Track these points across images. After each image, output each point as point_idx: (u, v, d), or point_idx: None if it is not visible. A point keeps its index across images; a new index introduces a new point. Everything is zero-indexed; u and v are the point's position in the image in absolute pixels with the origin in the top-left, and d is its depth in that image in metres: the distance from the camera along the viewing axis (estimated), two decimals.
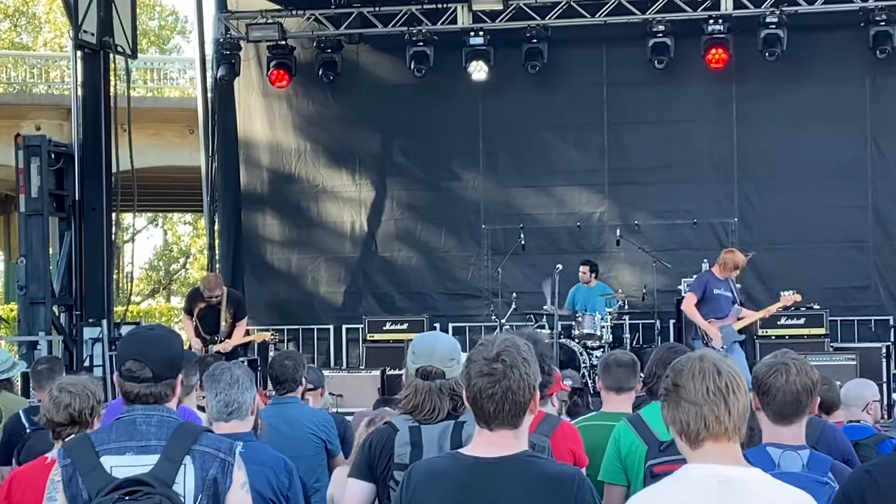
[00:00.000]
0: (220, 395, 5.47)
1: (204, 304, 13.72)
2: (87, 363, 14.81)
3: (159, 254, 47.19)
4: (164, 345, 4.37)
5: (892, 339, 16.38)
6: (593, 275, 16.43)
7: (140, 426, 4.17)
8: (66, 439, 4.47)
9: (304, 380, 7.62)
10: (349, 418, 8.74)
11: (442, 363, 4.65)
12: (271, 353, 16.22)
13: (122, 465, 4.07)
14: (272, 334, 15.02)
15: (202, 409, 6.52)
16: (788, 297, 13.68)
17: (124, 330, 15.88)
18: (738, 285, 13.85)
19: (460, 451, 3.81)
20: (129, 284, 19.68)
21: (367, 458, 4.67)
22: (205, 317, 13.73)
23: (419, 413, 4.61)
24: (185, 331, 14.06)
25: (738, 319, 13.41)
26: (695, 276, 14.74)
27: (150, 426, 4.17)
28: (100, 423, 5.48)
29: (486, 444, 3.67)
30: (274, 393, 7.62)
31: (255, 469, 5.15)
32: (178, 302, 46.65)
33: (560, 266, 15.52)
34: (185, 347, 12.63)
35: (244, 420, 5.51)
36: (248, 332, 14.46)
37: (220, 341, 13.60)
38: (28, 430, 7.67)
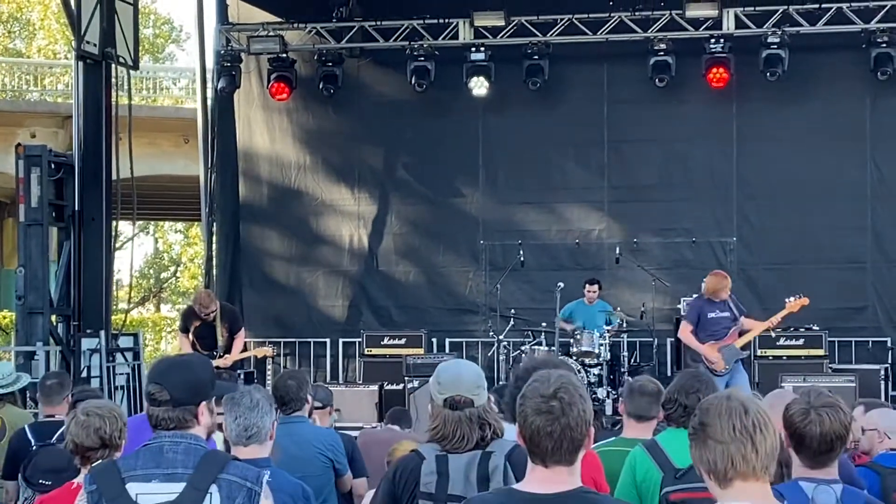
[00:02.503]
0: (239, 418, 5.42)
1: (199, 321, 13.69)
2: (84, 374, 14.74)
3: (150, 262, 47.07)
4: (187, 370, 4.34)
5: (889, 361, 16.41)
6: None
7: (167, 453, 4.13)
8: (93, 465, 4.42)
9: (309, 398, 7.57)
10: (354, 434, 8.74)
11: (469, 392, 4.63)
12: (269, 367, 16.23)
13: (148, 493, 4.04)
14: (272, 350, 14.89)
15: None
16: (794, 302, 13.46)
17: (122, 341, 15.86)
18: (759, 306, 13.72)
19: (515, 486, 3.76)
20: (129, 292, 19.65)
21: (391, 489, 4.65)
22: (201, 333, 13.71)
23: (448, 443, 4.59)
24: (182, 350, 13.97)
25: (741, 335, 13.33)
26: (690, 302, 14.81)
27: (177, 454, 4.13)
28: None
29: (541, 480, 3.62)
30: (279, 412, 7.58)
31: (273, 496, 5.11)
32: (168, 310, 46.55)
33: (562, 284, 15.55)
34: None
35: (263, 445, 5.47)
36: (245, 347, 14.42)
37: (219, 356, 13.54)
38: (34, 446, 7.61)
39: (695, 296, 14.58)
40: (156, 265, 46.97)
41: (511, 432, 4.67)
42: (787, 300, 13.55)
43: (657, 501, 5.49)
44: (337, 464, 7.40)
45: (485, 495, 3.99)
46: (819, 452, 4.36)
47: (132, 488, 4.04)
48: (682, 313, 15.89)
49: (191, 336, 13.71)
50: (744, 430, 3.25)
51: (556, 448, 3.57)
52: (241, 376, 14.30)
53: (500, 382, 14.79)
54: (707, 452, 3.29)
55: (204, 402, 4.27)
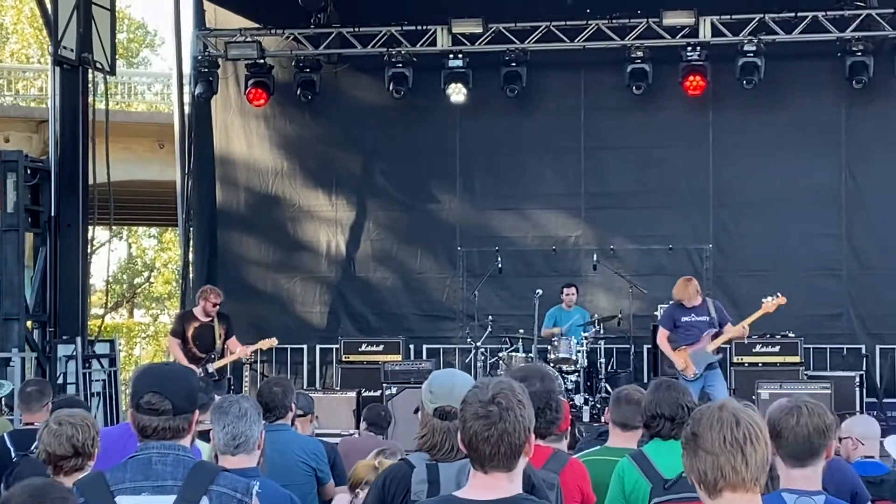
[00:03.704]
0: (227, 427, 5.39)
1: (198, 323, 13.66)
2: (60, 381, 14.67)
3: (123, 267, 46.79)
4: (184, 378, 4.35)
5: (864, 368, 16.49)
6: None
7: (156, 465, 4.10)
8: (79, 478, 4.39)
9: (293, 406, 7.57)
10: (335, 441, 8.72)
11: (460, 403, 4.63)
12: (245, 374, 16.17)
13: None
14: (275, 340, 14.78)
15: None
16: (771, 302, 13.44)
17: (98, 347, 15.79)
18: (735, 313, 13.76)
19: (455, 493, 3.79)
20: (105, 298, 19.56)
21: (380, 496, 4.64)
22: (200, 335, 13.65)
23: (437, 452, 4.59)
24: (173, 353, 13.87)
25: (713, 339, 13.33)
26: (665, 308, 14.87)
27: (165, 465, 4.10)
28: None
29: (480, 486, 3.66)
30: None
31: None
32: (141, 316, 46.31)
33: (540, 291, 15.58)
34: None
35: (251, 454, 5.43)
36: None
37: (217, 358, 13.62)
38: (15, 456, 7.57)
39: (671, 302, 14.64)
40: (129, 270, 46.69)
41: None
42: (763, 300, 13.60)
43: None
44: (320, 472, 7.41)
45: (425, 502, 4.03)
46: (797, 444, 4.34)
47: (122, 501, 4.02)
48: (660, 320, 15.99)
49: (189, 338, 13.67)
50: (734, 442, 3.25)
51: (493, 453, 3.59)
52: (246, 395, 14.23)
53: None
54: (698, 462, 3.30)
55: (197, 410, 4.28)
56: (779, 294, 13.53)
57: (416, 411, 4.82)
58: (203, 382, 9.69)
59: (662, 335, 13.55)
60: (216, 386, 13.47)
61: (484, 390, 3.66)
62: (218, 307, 13.69)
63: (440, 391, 4.67)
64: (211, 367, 13.51)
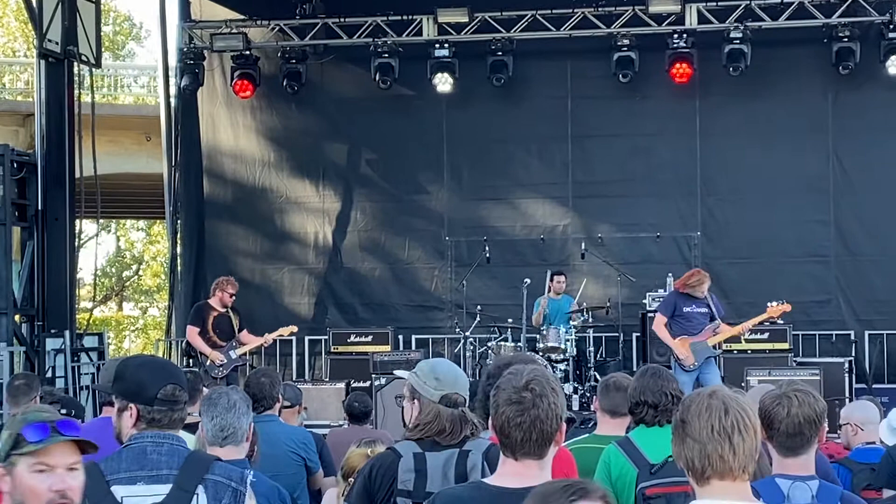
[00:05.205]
0: (216, 419, 5.38)
1: (216, 313, 13.94)
2: (48, 374, 14.65)
3: (111, 260, 46.69)
4: (180, 369, 4.42)
5: (853, 354, 16.51)
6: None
7: (151, 455, 4.10)
8: None
9: (280, 397, 7.57)
10: (323, 432, 8.71)
11: (464, 391, 4.73)
12: None
13: (134, 496, 4.01)
14: (295, 327, 15.02)
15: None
16: (776, 307, 13.51)
17: (86, 341, 15.76)
18: (724, 301, 13.72)
19: (484, 480, 3.81)
20: (93, 291, 19.54)
21: (366, 485, 4.65)
22: (219, 324, 13.95)
23: (442, 437, 4.60)
24: (197, 345, 13.96)
25: (715, 334, 13.36)
26: (666, 295, 14.83)
27: (160, 455, 4.11)
28: None
29: (510, 473, 3.66)
30: None
31: None
32: (130, 309, 46.22)
33: (528, 280, 15.56)
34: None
35: (239, 446, 5.41)
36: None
37: (238, 345, 13.99)
38: None
39: (671, 290, 14.63)
40: (117, 263, 46.58)
41: (484, 431, 4.69)
42: (768, 304, 13.59)
43: (633, 498, 5.49)
44: (309, 462, 7.42)
45: (455, 488, 4.02)
46: (788, 435, 4.35)
47: (117, 491, 4.01)
48: (648, 308, 16.02)
49: (209, 328, 13.84)
50: (722, 431, 3.25)
51: (525, 439, 3.60)
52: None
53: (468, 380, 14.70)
54: (686, 450, 3.29)
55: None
56: (784, 301, 13.50)
57: (398, 398, 4.85)
58: (190, 374, 9.71)
59: (660, 322, 13.41)
60: (234, 372, 13.98)
61: (518, 377, 3.66)
62: (234, 298, 13.99)
63: (446, 379, 4.72)
64: (235, 354, 13.87)
